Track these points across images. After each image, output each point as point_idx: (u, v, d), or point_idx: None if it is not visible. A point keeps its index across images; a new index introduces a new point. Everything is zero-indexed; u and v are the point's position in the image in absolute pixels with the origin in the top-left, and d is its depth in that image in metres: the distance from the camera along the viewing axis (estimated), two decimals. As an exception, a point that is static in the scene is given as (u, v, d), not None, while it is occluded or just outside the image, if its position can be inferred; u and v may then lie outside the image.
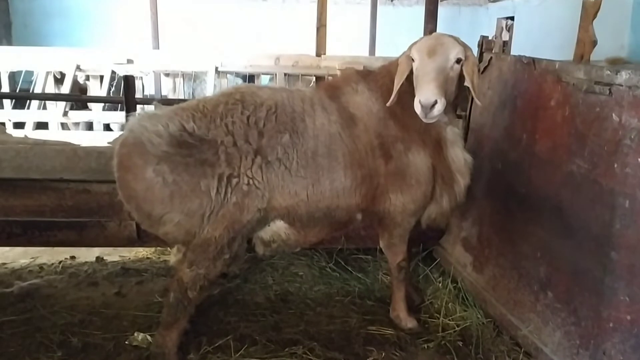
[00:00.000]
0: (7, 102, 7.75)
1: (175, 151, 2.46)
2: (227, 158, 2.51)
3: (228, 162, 2.51)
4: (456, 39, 2.74)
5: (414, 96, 2.77)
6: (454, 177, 2.93)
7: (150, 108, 5.89)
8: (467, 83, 2.73)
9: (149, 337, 2.89)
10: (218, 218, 2.53)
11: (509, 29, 11.91)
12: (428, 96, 2.53)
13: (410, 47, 2.79)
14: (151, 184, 2.45)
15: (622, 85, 2.37)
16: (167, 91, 8.80)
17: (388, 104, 2.76)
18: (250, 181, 2.55)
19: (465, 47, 2.74)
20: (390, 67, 2.94)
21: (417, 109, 2.59)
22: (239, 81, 8.87)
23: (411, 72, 2.75)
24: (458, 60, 2.68)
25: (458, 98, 2.88)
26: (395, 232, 3.02)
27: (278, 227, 2.74)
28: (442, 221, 3.16)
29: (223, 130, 2.54)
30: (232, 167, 2.52)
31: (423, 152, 2.85)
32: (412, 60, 2.73)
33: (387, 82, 2.88)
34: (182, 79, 8.39)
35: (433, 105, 2.53)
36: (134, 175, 2.48)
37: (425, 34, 6.91)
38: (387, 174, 2.83)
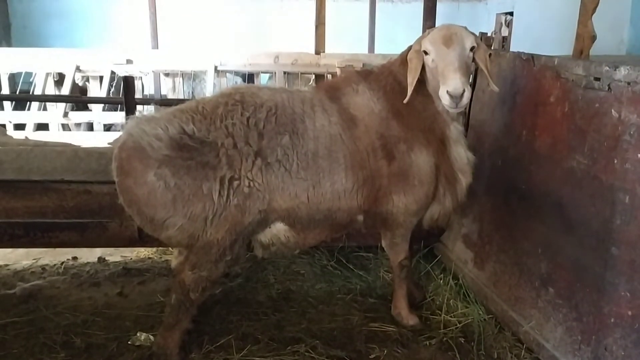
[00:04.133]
0: (7, 104, 7.75)
1: (177, 154, 2.45)
2: (228, 160, 2.51)
3: (229, 164, 2.51)
4: (465, 28, 2.74)
5: (420, 93, 2.77)
6: (456, 176, 2.92)
7: (150, 108, 5.90)
8: (482, 69, 2.74)
9: (151, 337, 2.90)
10: (220, 221, 2.52)
11: (508, 24, 11.89)
12: (457, 85, 2.51)
13: (418, 42, 2.78)
14: (153, 188, 2.45)
15: (621, 81, 2.37)
16: (166, 91, 8.80)
17: (405, 101, 2.73)
18: (251, 183, 2.54)
19: (474, 34, 2.75)
20: (391, 66, 2.92)
21: (445, 100, 2.57)
22: (239, 80, 8.86)
23: (423, 67, 2.74)
24: (472, 49, 2.68)
25: None
26: (398, 232, 3.01)
27: (278, 230, 2.74)
28: (444, 221, 3.15)
29: (223, 132, 2.53)
30: (233, 169, 2.51)
31: (426, 151, 2.83)
32: (425, 53, 2.71)
33: (389, 81, 2.87)
34: (181, 79, 8.38)
35: (462, 95, 2.52)
36: (134, 180, 2.47)
37: (424, 30, 6.89)
38: (389, 174, 2.81)
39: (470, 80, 3.79)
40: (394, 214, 2.91)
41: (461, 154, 2.93)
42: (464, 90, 2.52)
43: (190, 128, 2.51)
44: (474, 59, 2.73)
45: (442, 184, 2.93)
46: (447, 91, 2.54)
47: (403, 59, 2.86)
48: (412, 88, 2.72)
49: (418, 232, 3.25)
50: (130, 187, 2.51)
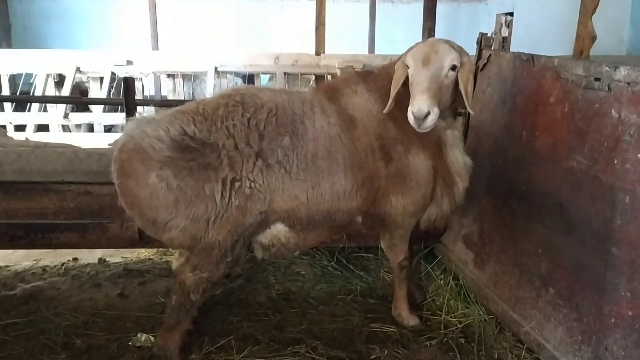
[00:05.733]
0: (7, 105, 7.76)
1: (179, 156, 2.44)
2: (229, 161, 2.50)
3: (230, 165, 2.50)
4: (452, 45, 2.68)
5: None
6: (454, 179, 2.93)
7: (151, 109, 5.90)
8: (461, 91, 2.66)
9: (152, 338, 2.89)
10: (222, 222, 2.52)
11: (508, 24, 11.90)
12: (420, 106, 2.49)
13: (406, 53, 2.76)
14: (155, 190, 2.44)
15: (621, 81, 2.37)
16: (167, 92, 8.80)
17: (385, 111, 2.72)
18: (252, 184, 2.54)
19: (462, 52, 2.69)
20: (388, 69, 2.92)
21: (410, 119, 2.55)
22: (239, 81, 8.87)
23: (407, 78, 2.72)
24: (453, 67, 2.63)
25: (457, 101, 2.83)
26: (396, 233, 3.02)
27: (278, 231, 2.73)
28: (441, 223, 3.16)
29: (224, 133, 2.53)
30: (234, 170, 2.51)
31: (423, 154, 2.84)
32: (408, 67, 2.69)
33: (385, 83, 2.86)
34: (181, 80, 8.39)
35: (426, 116, 2.49)
36: (136, 182, 2.46)
37: (424, 31, 6.89)
38: (387, 176, 2.81)
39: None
40: (391, 215, 2.91)
41: (458, 158, 2.93)
42: (428, 113, 2.48)
43: (191, 129, 2.50)
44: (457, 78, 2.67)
45: (440, 186, 2.94)
46: (412, 112, 2.53)
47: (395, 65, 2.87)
48: (393, 98, 2.70)
49: (418, 233, 3.25)
50: (131, 189, 2.49)
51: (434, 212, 3.01)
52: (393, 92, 2.72)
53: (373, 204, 2.86)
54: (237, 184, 2.51)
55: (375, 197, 2.84)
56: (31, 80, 8.26)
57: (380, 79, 2.91)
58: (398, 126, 2.81)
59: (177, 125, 2.50)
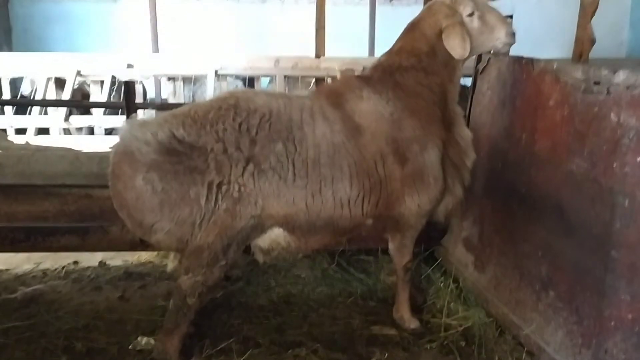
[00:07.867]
0: (8, 108, 7.77)
1: (164, 159, 2.45)
2: (216, 165, 2.48)
3: (217, 169, 2.49)
4: None
5: (432, 72, 2.89)
6: (463, 158, 2.99)
7: (151, 112, 5.92)
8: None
9: (152, 341, 2.89)
10: (209, 225, 2.51)
11: (508, 27, 11.88)
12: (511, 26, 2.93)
13: (448, 10, 2.86)
14: (141, 192, 2.45)
15: (620, 85, 2.37)
16: (167, 95, 8.81)
17: (466, 55, 2.86)
18: (242, 188, 2.51)
19: None
20: (400, 62, 2.89)
21: (511, 39, 2.94)
22: (239, 84, 8.88)
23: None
24: None
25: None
26: (408, 234, 3.03)
27: (277, 235, 2.71)
28: (456, 209, 3.21)
29: (213, 137, 2.51)
30: (221, 174, 2.49)
31: (437, 146, 2.87)
32: (471, 14, 2.87)
33: (401, 80, 2.85)
34: (182, 83, 8.40)
35: None
36: (124, 184, 2.49)
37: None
38: (403, 177, 2.80)
39: (470, 84, 3.83)
40: (405, 217, 2.90)
41: (466, 133, 3.04)
42: None
43: (180, 133, 2.50)
44: None
45: (450, 175, 2.96)
46: (508, 32, 2.91)
47: (412, 51, 2.89)
48: (468, 42, 2.84)
49: (419, 236, 3.26)
50: (120, 191, 2.52)
51: (450, 200, 3.04)
52: (467, 38, 2.84)
53: (386, 208, 2.84)
54: (224, 188, 2.50)
55: (389, 200, 2.83)
56: (31, 88, 8.25)
57: (392, 78, 2.86)
58: (418, 120, 2.82)
59: (166, 129, 2.50)
